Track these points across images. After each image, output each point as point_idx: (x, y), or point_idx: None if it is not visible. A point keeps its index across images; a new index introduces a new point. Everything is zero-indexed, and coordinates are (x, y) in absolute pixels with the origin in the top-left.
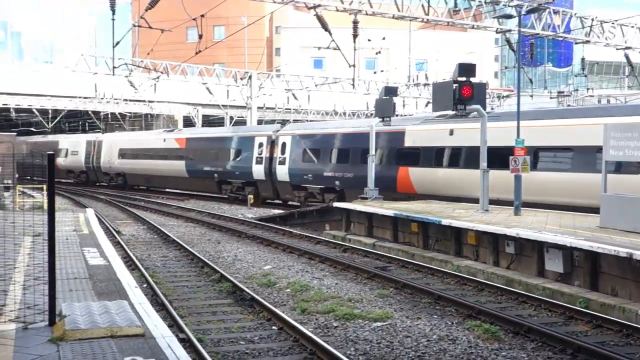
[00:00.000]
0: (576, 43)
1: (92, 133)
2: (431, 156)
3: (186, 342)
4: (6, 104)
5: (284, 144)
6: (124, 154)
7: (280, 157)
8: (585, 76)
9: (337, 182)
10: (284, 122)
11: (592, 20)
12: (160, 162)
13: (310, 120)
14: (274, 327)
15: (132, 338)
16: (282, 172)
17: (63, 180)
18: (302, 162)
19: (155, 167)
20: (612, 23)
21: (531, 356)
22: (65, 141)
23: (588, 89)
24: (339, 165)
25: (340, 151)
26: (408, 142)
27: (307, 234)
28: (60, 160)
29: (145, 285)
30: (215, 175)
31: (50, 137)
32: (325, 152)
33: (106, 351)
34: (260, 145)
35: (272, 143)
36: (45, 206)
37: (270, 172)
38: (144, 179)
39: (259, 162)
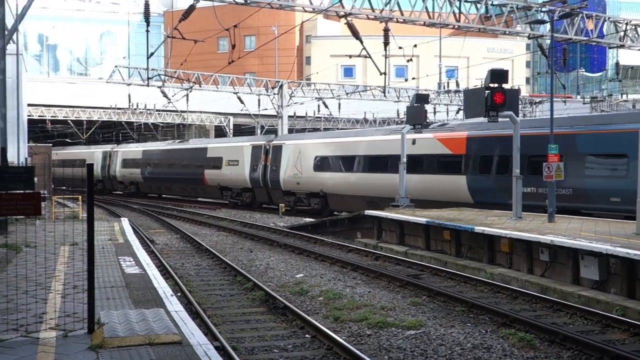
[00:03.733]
0: (610, 47)
1: (263, 135)
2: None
3: (221, 350)
4: (42, 116)
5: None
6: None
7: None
8: (620, 81)
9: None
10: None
11: (627, 24)
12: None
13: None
14: (307, 336)
15: (169, 345)
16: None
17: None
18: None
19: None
20: None
21: None
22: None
23: (622, 93)
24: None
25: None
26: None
27: (339, 242)
28: (217, 172)
29: (179, 294)
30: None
31: (200, 144)
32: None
33: (144, 358)
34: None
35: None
36: (81, 216)
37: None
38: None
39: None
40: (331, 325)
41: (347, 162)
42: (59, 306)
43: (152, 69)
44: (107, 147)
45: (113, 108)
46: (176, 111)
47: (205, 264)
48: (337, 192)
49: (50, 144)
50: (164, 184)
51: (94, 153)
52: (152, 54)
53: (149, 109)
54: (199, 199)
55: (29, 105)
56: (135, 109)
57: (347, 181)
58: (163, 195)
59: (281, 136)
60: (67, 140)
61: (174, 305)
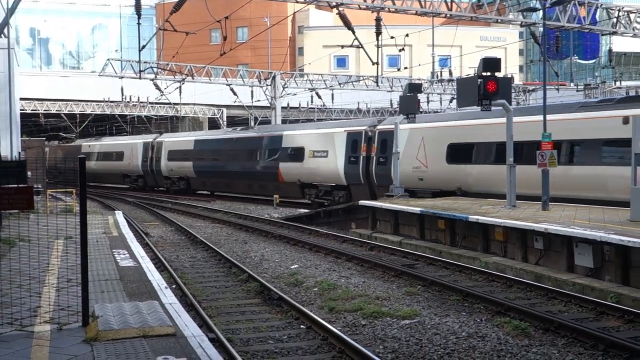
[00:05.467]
0: (602, 34)
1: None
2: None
3: (216, 342)
4: (35, 110)
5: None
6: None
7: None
8: (613, 68)
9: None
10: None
11: (619, 10)
12: None
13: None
14: (302, 326)
15: (163, 338)
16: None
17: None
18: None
19: None
20: (639, 13)
21: (562, 352)
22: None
23: (615, 80)
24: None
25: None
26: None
27: (334, 233)
28: (297, 166)
29: (174, 286)
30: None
31: (272, 131)
32: None
33: (139, 351)
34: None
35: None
36: (75, 209)
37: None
38: None
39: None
40: (326, 315)
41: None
42: (53, 300)
43: (145, 62)
44: (149, 138)
45: (106, 101)
46: (169, 103)
47: (200, 256)
48: (484, 190)
49: (44, 138)
50: (223, 180)
51: (135, 144)
52: (144, 46)
53: (142, 102)
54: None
55: (21, 99)
56: (128, 101)
57: (499, 176)
58: (220, 193)
59: (391, 119)
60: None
61: (168, 297)
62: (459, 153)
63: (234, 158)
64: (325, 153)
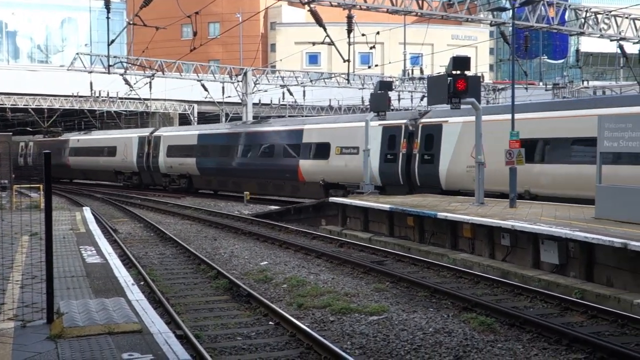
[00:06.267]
0: (570, 35)
1: None
2: None
3: (183, 339)
4: (2, 104)
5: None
6: None
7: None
8: (580, 68)
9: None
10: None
11: (586, 11)
12: None
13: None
14: (270, 323)
15: (129, 334)
16: None
17: None
18: None
19: None
20: (606, 14)
21: (527, 347)
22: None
23: (583, 80)
24: None
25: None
26: None
27: (304, 230)
28: (321, 164)
29: (142, 283)
30: None
31: (291, 125)
32: None
33: (104, 347)
34: None
35: None
36: (42, 205)
37: None
38: None
39: None
40: (295, 312)
41: (583, 148)
42: (18, 296)
43: (114, 56)
44: (146, 132)
45: (75, 96)
46: (139, 99)
47: (169, 252)
48: (559, 194)
49: (11, 133)
50: (232, 178)
51: (129, 139)
52: (113, 41)
53: (111, 97)
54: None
55: None
56: (97, 96)
57: (581, 177)
58: (228, 193)
59: (437, 111)
60: (29, 129)
61: (135, 294)
62: (528, 150)
63: (244, 154)
64: (355, 150)
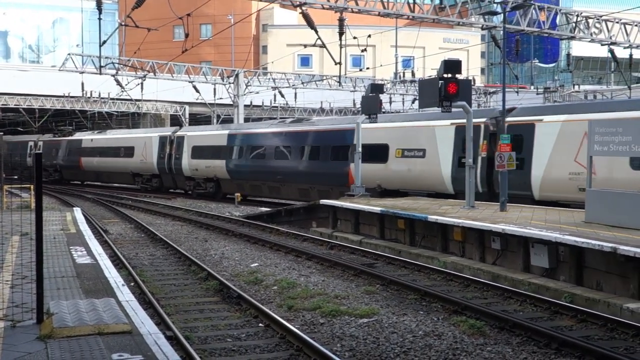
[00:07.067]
0: (561, 39)
1: None
2: None
3: (173, 340)
4: None
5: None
6: None
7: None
8: (571, 72)
9: None
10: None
11: (577, 16)
12: None
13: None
14: (260, 325)
15: (119, 335)
16: None
17: None
18: None
19: None
20: (597, 19)
21: (516, 351)
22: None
23: (574, 84)
24: None
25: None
26: None
27: (294, 232)
28: (377, 168)
29: (132, 284)
30: None
31: (341, 124)
32: None
33: (93, 348)
34: None
35: None
36: (33, 205)
37: None
38: None
39: None
40: (285, 314)
41: None
42: (8, 296)
43: (106, 57)
44: (167, 131)
45: (66, 96)
46: (131, 100)
47: (159, 253)
48: None
49: (1, 133)
50: (268, 183)
51: (149, 139)
52: (104, 41)
53: (103, 98)
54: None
55: None
56: (89, 97)
57: None
58: (262, 198)
59: (525, 109)
60: (20, 129)
61: (125, 295)
62: None
63: (283, 156)
64: (421, 152)
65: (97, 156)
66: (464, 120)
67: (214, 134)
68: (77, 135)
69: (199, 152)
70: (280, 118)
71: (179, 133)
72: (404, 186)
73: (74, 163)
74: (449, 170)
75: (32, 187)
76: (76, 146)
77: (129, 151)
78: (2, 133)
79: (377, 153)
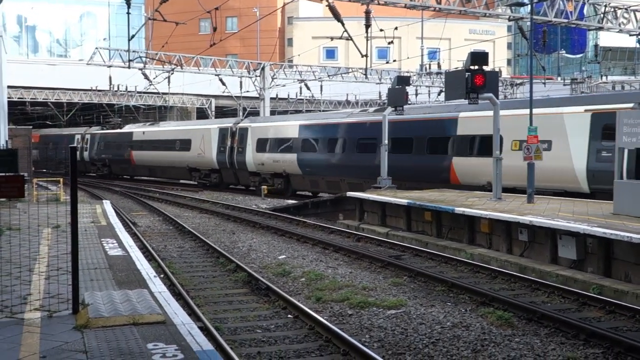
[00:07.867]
0: (589, 30)
1: None
2: None
3: (204, 331)
4: (22, 98)
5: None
6: None
7: None
8: (599, 62)
9: None
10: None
11: (605, 6)
12: None
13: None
14: (289, 316)
15: (153, 325)
16: None
17: None
18: None
19: None
20: (626, 9)
21: (544, 342)
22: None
23: (602, 75)
24: None
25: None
26: None
27: (321, 224)
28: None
29: (162, 276)
30: None
31: (440, 113)
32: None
33: (129, 337)
34: None
35: None
36: (62, 198)
37: None
38: None
39: None
40: (313, 305)
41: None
42: (43, 288)
43: (133, 51)
44: (228, 122)
45: (94, 90)
46: (157, 93)
47: (187, 246)
48: None
49: (31, 127)
50: (348, 179)
51: (207, 131)
52: (133, 36)
53: (130, 91)
54: None
55: (8, 87)
56: (116, 91)
57: None
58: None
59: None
60: (48, 122)
61: (157, 286)
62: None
63: (367, 149)
64: (546, 144)
65: (150, 149)
66: (606, 106)
67: (282, 125)
68: (127, 128)
69: (266, 145)
70: (361, 109)
71: (242, 124)
72: (523, 183)
73: (124, 157)
74: (582, 164)
75: (61, 180)
76: (126, 139)
77: (185, 144)
78: (31, 127)
79: (486, 145)
